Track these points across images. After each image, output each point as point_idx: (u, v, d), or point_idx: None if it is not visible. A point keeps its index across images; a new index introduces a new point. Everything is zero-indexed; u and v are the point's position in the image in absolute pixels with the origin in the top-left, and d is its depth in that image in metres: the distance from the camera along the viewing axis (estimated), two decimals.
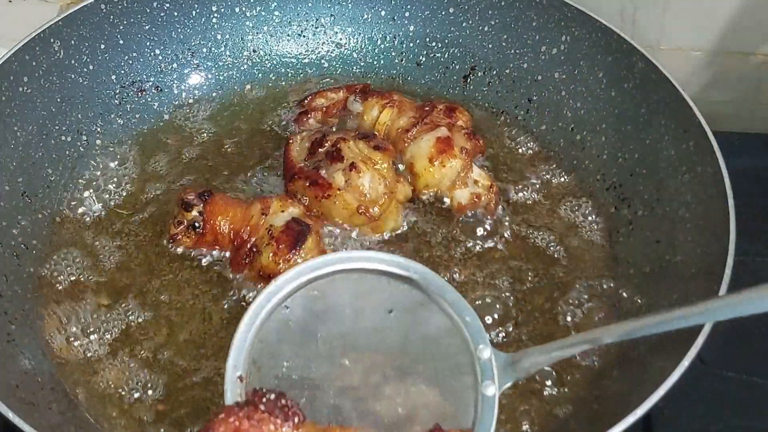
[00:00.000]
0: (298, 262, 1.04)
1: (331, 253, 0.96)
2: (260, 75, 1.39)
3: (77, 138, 1.25)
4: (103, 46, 1.27)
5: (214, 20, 1.36)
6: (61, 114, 1.23)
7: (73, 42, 1.23)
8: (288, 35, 1.41)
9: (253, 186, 1.23)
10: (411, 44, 1.39)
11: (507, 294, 1.11)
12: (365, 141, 1.14)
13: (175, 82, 1.35)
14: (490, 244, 1.16)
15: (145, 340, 1.06)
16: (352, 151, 1.12)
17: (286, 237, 1.05)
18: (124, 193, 1.22)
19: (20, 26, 1.21)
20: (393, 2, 1.38)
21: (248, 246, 1.07)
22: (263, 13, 1.38)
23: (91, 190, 1.22)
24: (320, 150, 1.14)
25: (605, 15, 1.23)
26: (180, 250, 1.13)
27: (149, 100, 1.33)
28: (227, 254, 1.11)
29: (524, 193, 1.23)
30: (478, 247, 1.16)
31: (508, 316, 1.09)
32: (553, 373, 1.02)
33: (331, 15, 1.40)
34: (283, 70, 1.40)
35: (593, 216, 1.20)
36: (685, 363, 0.88)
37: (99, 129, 1.27)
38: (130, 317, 1.08)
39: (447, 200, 1.18)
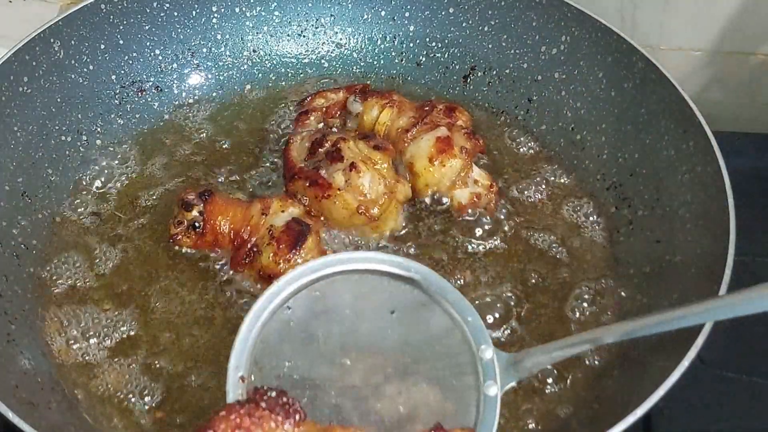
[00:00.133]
0: (298, 262, 1.04)
1: (333, 254, 0.96)
2: (260, 75, 1.39)
3: (77, 138, 1.25)
4: (103, 46, 1.27)
5: (214, 20, 1.36)
6: (61, 114, 1.23)
7: (73, 42, 1.23)
8: (288, 35, 1.41)
9: (253, 186, 1.23)
10: (411, 44, 1.39)
11: (507, 294, 1.11)
12: (365, 141, 1.14)
13: (175, 82, 1.35)
14: (490, 243, 1.16)
15: (145, 342, 1.06)
16: (352, 151, 1.12)
17: (287, 237, 1.05)
18: (125, 193, 1.22)
19: (20, 26, 1.22)
20: (393, 2, 1.38)
21: (248, 246, 1.07)
22: (263, 13, 1.38)
23: (92, 190, 1.22)
24: (320, 150, 1.14)
25: (605, 15, 1.23)
26: (180, 250, 1.13)
27: (149, 100, 1.33)
28: (227, 254, 1.11)
29: (524, 192, 1.23)
30: (478, 247, 1.16)
31: (509, 316, 1.09)
32: (554, 372, 1.02)
33: (331, 15, 1.41)
34: (283, 70, 1.40)
35: (593, 216, 1.20)
36: (685, 363, 0.88)
37: (99, 129, 1.27)
38: (130, 320, 1.08)
39: (447, 200, 1.18)
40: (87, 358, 1.04)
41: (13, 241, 1.11)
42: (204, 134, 1.31)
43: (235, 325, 1.06)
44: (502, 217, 1.19)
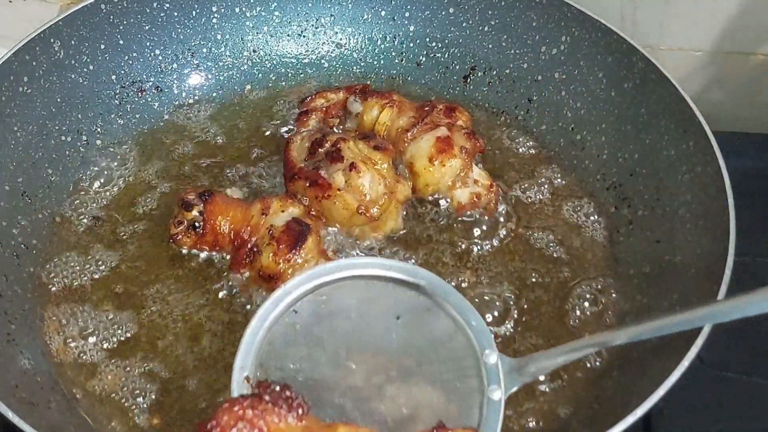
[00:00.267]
0: (298, 262, 1.04)
1: (340, 260, 0.98)
2: (260, 75, 1.39)
3: (77, 138, 1.25)
4: (103, 46, 1.27)
5: (214, 20, 1.36)
6: (61, 114, 1.23)
7: (73, 42, 1.23)
8: (288, 35, 1.41)
9: (253, 186, 1.23)
10: (411, 44, 1.39)
11: (507, 294, 1.11)
12: (365, 141, 1.14)
13: (175, 82, 1.35)
14: (489, 243, 1.16)
15: (144, 342, 1.06)
16: (352, 151, 1.12)
17: (287, 237, 1.05)
18: (124, 193, 1.22)
19: (20, 26, 1.22)
20: (393, 2, 1.38)
21: (249, 246, 1.07)
22: (263, 13, 1.38)
23: (91, 191, 1.22)
24: (320, 150, 1.14)
25: (605, 15, 1.23)
26: (180, 250, 1.13)
27: (149, 100, 1.33)
28: (227, 254, 1.12)
29: (524, 192, 1.23)
30: (478, 247, 1.16)
31: (509, 315, 1.09)
32: (555, 372, 1.02)
33: (331, 15, 1.41)
34: (283, 70, 1.40)
35: (593, 216, 1.20)
36: (685, 363, 0.88)
37: (99, 129, 1.27)
38: (129, 320, 1.08)
39: (447, 200, 1.18)
40: (84, 357, 1.04)
41: (13, 241, 1.11)
42: (204, 134, 1.31)
43: (235, 326, 1.07)
44: (502, 217, 1.19)
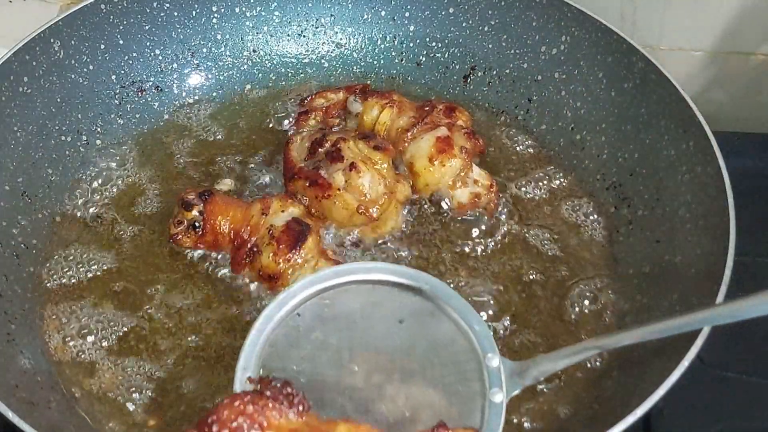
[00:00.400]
0: (298, 262, 1.04)
1: (344, 264, 0.98)
2: (260, 75, 1.39)
3: (77, 138, 1.25)
4: (103, 46, 1.27)
5: (214, 20, 1.36)
6: (61, 114, 1.23)
7: (73, 42, 1.23)
8: (288, 35, 1.41)
9: (252, 186, 1.23)
10: (411, 44, 1.39)
11: (507, 294, 1.11)
12: (365, 141, 1.14)
13: (175, 82, 1.35)
14: (489, 243, 1.16)
15: (143, 342, 1.06)
16: (352, 151, 1.12)
17: (287, 237, 1.05)
18: (124, 193, 1.22)
19: (20, 26, 1.22)
20: (393, 2, 1.38)
21: (248, 246, 1.07)
22: (263, 13, 1.38)
23: (91, 190, 1.22)
24: (320, 150, 1.14)
25: (605, 15, 1.23)
26: (180, 250, 1.13)
27: (149, 100, 1.33)
28: (227, 254, 1.12)
29: (524, 192, 1.23)
30: (477, 247, 1.16)
31: (508, 315, 1.08)
32: (554, 373, 1.02)
33: (331, 15, 1.41)
34: (283, 70, 1.40)
35: (593, 215, 1.20)
36: (685, 363, 0.88)
37: (99, 129, 1.27)
38: (128, 320, 1.08)
39: (447, 200, 1.18)
40: (83, 356, 1.04)
41: (13, 241, 1.11)
42: (204, 134, 1.31)
43: (234, 326, 1.07)
44: (502, 216, 1.19)
